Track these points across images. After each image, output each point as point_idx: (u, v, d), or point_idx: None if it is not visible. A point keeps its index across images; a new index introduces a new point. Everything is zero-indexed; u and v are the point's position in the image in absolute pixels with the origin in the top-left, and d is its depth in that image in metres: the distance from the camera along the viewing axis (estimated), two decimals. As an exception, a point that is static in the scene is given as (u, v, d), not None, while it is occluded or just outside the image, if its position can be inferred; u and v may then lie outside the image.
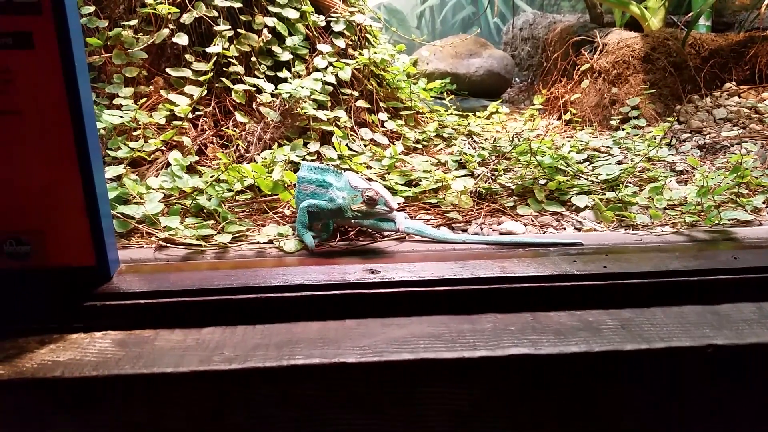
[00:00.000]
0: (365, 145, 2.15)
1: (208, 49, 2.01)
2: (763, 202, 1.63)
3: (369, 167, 1.94)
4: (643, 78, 2.80)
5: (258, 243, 1.37)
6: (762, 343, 0.95)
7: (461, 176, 1.88)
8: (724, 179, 1.67)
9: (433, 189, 1.76)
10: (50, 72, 0.93)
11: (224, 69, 2.05)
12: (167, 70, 2.01)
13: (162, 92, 1.99)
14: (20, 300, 1.01)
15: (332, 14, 2.33)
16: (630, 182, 1.86)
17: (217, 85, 2.05)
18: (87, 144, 0.97)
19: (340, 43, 2.30)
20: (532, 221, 1.59)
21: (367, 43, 2.46)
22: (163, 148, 1.85)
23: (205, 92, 2.00)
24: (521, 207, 1.66)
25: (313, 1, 2.29)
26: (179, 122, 1.90)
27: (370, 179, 1.40)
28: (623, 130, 2.55)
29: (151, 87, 2.02)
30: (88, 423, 0.89)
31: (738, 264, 1.13)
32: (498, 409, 0.93)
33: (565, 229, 1.55)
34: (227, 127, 2.00)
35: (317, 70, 2.19)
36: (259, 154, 1.94)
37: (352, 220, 1.39)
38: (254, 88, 2.05)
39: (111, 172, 1.62)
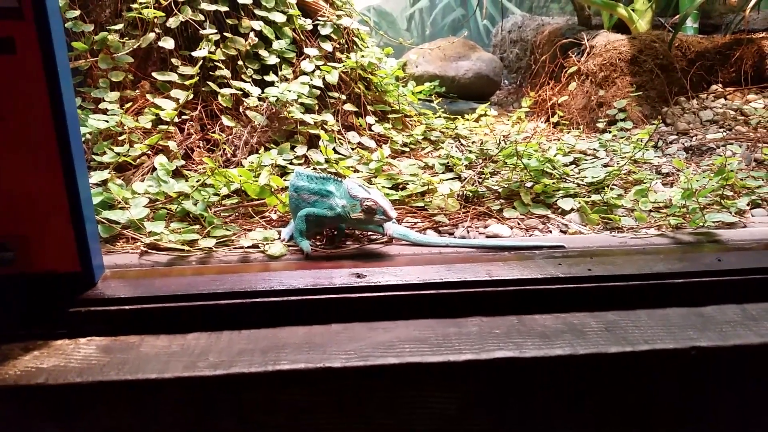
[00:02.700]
0: (352, 149, 2.15)
1: (195, 53, 2.01)
2: (748, 204, 1.64)
3: (356, 171, 1.94)
4: (630, 80, 2.82)
5: (243, 247, 1.36)
6: (745, 345, 0.95)
7: (448, 179, 1.88)
8: (709, 181, 1.68)
9: (420, 192, 1.76)
10: (33, 77, 0.92)
11: (211, 73, 2.04)
12: (153, 74, 2.00)
13: (148, 96, 1.98)
14: (3, 306, 1.01)
15: (319, 18, 2.33)
16: (615, 185, 1.87)
17: (203, 89, 2.04)
18: (71, 149, 0.96)
19: (328, 46, 2.30)
20: (519, 224, 1.59)
21: (354, 47, 2.46)
22: (149, 152, 1.84)
23: (192, 96, 2.00)
24: (508, 210, 1.67)
25: (300, 4, 2.29)
26: (165, 126, 1.89)
27: (369, 184, 1.41)
28: (610, 132, 2.56)
29: (137, 91, 2.01)
30: (73, 430, 0.88)
31: (722, 266, 1.14)
32: (484, 412, 0.94)
33: (551, 231, 1.56)
34: (214, 131, 1.99)
35: (304, 73, 2.19)
36: (246, 158, 1.94)
37: (342, 224, 1.40)
38: (241, 92, 2.05)
39: (96, 176, 1.61)
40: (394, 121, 2.44)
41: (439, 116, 2.75)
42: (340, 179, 1.35)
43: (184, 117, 1.99)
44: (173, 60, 2.03)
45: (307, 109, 2.13)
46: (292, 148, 2.01)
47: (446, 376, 0.91)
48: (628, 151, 2.18)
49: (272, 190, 1.61)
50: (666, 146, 2.40)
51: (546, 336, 0.96)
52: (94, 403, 0.88)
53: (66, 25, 1.95)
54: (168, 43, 2.00)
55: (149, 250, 1.34)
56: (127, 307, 1.00)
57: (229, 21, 2.11)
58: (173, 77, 2.00)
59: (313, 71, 2.20)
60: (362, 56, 2.38)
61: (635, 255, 1.24)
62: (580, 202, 1.65)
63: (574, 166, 2.11)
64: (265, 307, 1.02)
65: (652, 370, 0.94)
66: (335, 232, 1.45)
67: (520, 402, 0.94)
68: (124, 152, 1.77)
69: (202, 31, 2.04)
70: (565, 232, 1.54)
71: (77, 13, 1.99)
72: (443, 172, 2.00)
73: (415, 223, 1.59)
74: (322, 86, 2.19)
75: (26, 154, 0.96)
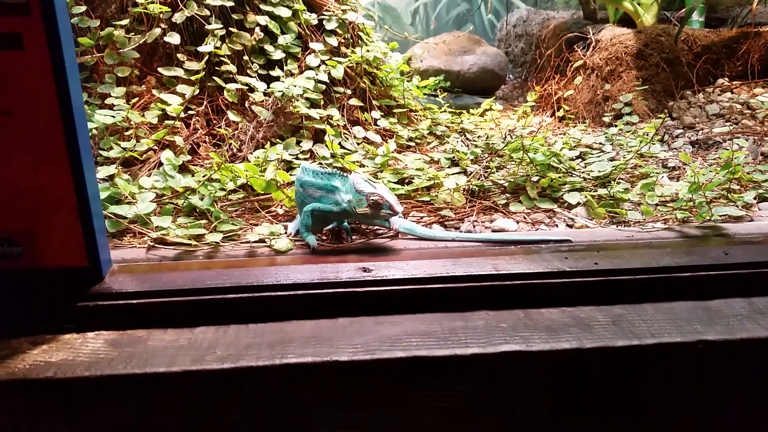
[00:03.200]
0: (358, 144, 2.15)
1: (200, 48, 2.01)
2: (755, 198, 1.64)
3: (362, 165, 1.94)
4: (636, 74, 2.81)
5: (249, 242, 1.37)
6: (752, 338, 0.95)
7: (454, 174, 1.88)
8: (716, 175, 1.68)
9: (426, 187, 1.76)
10: (40, 73, 0.92)
11: (216, 68, 2.05)
12: (159, 69, 2.00)
13: (154, 91, 1.98)
14: (12, 301, 1.01)
15: (324, 12, 2.33)
16: (622, 179, 1.86)
17: (209, 84, 2.05)
18: (78, 144, 0.97)
19: (333, 41, 2.30)
20: (525, 218, 1.59)
21: (359, 41, 2.46)
22: (156, 147, 1.85)
23: (198, 91, 2.00)
24: (514, 204, 1.66)
25: (305, -1, 2.29)
26: (171, 121, 1.90)
27: (374, 179, 1.42)
28: (616, 126, 2.55)
29: (143, 86, 2.02)
30: (81, 423, 0.89)
31: (729, 260, 1.13)
32: (490, 406, 0.94)
33: (557, 225, 1.55)
34: (220, 126, 2.00)
35: (310, 68, 2.19)
36: (251, 153, 1.94)
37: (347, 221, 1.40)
38: (247, 87, 2.05)
39: (103, 172, 1.62)
40: (399, 115, 2.44)
41: (445, 111, 2.75)
42: (345, 174, 1.35)
43: (190, 112, 2.00)
44: (179, 55, 2.04)
45: (313, 104, 2.13)
46: (298, 143, 2.01)
47: (453, 369, 0.91)
48: (635, 145, 2.17)
49: (278, 184, 1.61)
50: (672, 140, 2.40)
51: (553, 330, 0.96)
52: (102, 397, 0.88)
53: (72, 20, 1.96)
54: (174, 39, 2.00)
55: (156, 245, 1.35)
56: (134, 302, 1.01)
57: (234, 16, 2.11)
58: (179, 72, 2.00)
59: (319, 66, 2.20)
60: (367, 51, 2.38)
61: (642, 249, 1.24)
62: (586, 196, 1.64)
63: (580, 160, 2.11)
64: (272, 301, 1.02)
65: (659, 363, 0.94)
66: (338, 228, 1.45)
67: (527, 395, 0.94)
68: (130, 147, 1.78)
69: (207, 27, 2.04)
70: (571, 226, 1.54)
71: (83, 8, 2.00)
72: (449, 167, 2.00)
73: (421, 218, 1.60)
74: (328, 81, 2.19)
75: (34, 150, 0.96)
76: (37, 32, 0.91)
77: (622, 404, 0.96)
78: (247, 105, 2.06)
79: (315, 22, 2.30)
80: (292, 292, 1.03)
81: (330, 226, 1.43)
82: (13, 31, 0.90)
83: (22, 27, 0.90)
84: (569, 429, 0.97)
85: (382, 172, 1.88)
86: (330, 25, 2.32)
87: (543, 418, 0.95)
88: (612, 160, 2.07)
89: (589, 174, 1.87)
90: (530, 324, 0.99)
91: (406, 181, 1.84)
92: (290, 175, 1.68)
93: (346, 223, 1.43)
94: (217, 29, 2.04)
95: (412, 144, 2.30)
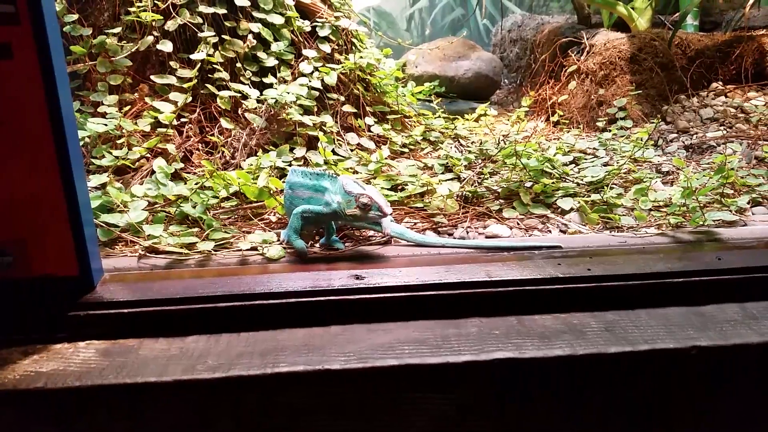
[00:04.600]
0: (351, 150, 2.15)
1: (193, 56, 2.01)
2: (748, 202, 1.64)
3: (355, 172, 1.94)
4: (630, 79, 2.81)
5: (241, 250, 1.36)
6: (745, 344, 0.95)
7: (447, 180, 1.88)
8: (710, 180, 1.68)
9: (420, 193, 1.76)
10: (30, 82, 0.92)
11: (209, 75, 2.04)
12: (152, 77, 2.00)
13: (147, 99, 1.98)
14: (3, 311, 1.01)
15: (318, 19, 2.33)
16: (615, 184, 1.86)
17: (202, 91, 2.04)
18: (68, 153, 0.96)
19: (326, 48, 2.30)
20: (518, 224, 1.59)
21: (353, 48, 2.46)
22: (148, 155, 1.84)
23: (190, 99, 2.00)
24: (507, 210, 1.66)
25: (299, 6, 2.29)
26: (164, 129, 1.89)
27: (366, 183, 1.41)
28: (610, 131, 2.55)
29: (135, 94, 2.01)
30: (72, 434, 0.88)
31: (722, 265, 1.13)
32: (483, 414, 0.93)
33: (550, 231, 1.55)
34: (212, 134, 1.99)
35: (303, 75, 2.18)
36: (244, 161, 1.94)
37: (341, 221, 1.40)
38: (240, 94, 2.05)
39: (95, 180, 1.61)
40: (393, 121, 2.44)
41: (439, 116, 2.74)
42: (335, 175, 1.35)
43: (182, 120, 1.99)
44: (172, 63, 2.03)
45: (306, 111, 2.12)
46: (291, 149, 2.01)
47: (445, 377, 0.91)
48: (628, 150, 2.18)
49: (271, 192, 1.61)
50: (666, 145, 2.40)
51: (545, 336, 0.96)
52: (93, 407, 0.87)
53: (64, 29, 1.96)
54: (166, 46, 2.00)
55: (148, 254, 1.34)
56: (125, 311, 1.00)
57: (227, 23, 2.11)
58: (172, 80, 2.00)
59: (312, 73, 2.20)
60: (361, 57, 2.38)
61: (635, 254, 1.24)
62: (579, 202, 1.64)
63: (573, 165, 2.11)
64: (264, 310, 1.02)
65: (653, 370, 0.94)
66: (328, 245, 1.43)
67: (520, 403, 0.94)
68: (122, 155, 1.77)
69: (200, 34, 2.04)
70: (564, 232, 1.54)
71: (75, 17, 1.99)
72: (442, 173, 2.00)
73: (415, 224, 1.59)
74: (321, 88, 2.19)
75: (24, 158, 0.95)
76: (27, 41, 0.90)
77: (615, 411, 0.96)
78: (240, 112, 2.06)
79: (308, 29, 2.30)
80: (284, 300, 1.03)
81: (322, 240, 1.42)
82: (2, 41, 0.90)
83: (12, 36, 0.90)
84: (563, 436, 0.96)
85: (375, 178, 1.88)
86: (323, 32, 2.32)
87: (536, 425, 0.95)
88: (605, 165, 2.07)
89: (582, 179, 1.87)
90: (523, 331, 0.98)
91: (400, 187, 1.83)
92: (283, 182, 1.68)
93: (335, 237, 1.43)
94: (209, 37, 2.04)
95: (406, 150, 2.30)
